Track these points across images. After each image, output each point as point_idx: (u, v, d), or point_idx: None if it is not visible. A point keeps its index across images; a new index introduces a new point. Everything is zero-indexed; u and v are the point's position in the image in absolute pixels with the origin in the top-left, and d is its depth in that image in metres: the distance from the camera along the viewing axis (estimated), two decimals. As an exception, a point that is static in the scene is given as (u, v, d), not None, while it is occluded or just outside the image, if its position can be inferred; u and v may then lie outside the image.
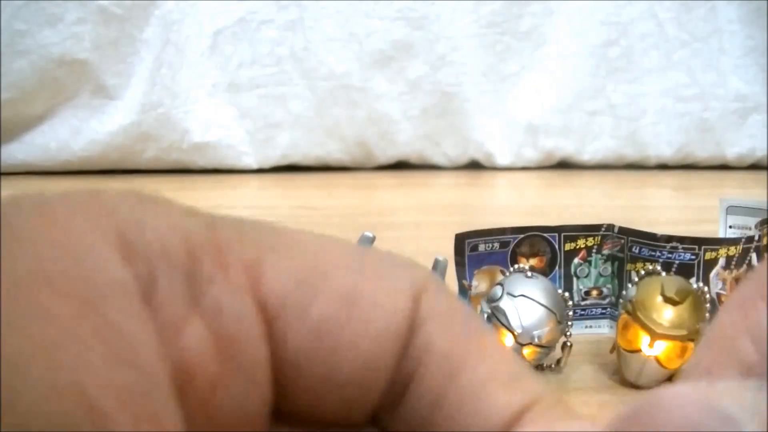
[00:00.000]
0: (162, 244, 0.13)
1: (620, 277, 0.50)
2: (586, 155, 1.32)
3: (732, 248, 0.49)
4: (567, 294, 0.47)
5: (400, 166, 1.32)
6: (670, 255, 0.48)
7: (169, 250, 0.13)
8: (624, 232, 0.50)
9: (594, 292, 0.52)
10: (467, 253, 0.49)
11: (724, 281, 0.50)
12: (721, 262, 0.49)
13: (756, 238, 0.50)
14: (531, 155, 1.32)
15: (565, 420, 0.14)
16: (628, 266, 0.49)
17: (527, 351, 0.45)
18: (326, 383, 0.14)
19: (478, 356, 0.15)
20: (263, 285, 0.14)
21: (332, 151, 1.28)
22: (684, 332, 0.43)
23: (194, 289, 0.13)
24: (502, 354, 0.15)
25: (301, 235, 0.15)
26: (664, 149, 1.32)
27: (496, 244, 0.49)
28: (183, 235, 0.14)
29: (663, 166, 1.33)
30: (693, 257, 0.48)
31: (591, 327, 0.52)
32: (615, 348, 0.46)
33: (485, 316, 0.45)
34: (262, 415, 0.14)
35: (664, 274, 0.46)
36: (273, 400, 0.14)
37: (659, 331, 0.43)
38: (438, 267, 0.45)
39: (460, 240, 0.48)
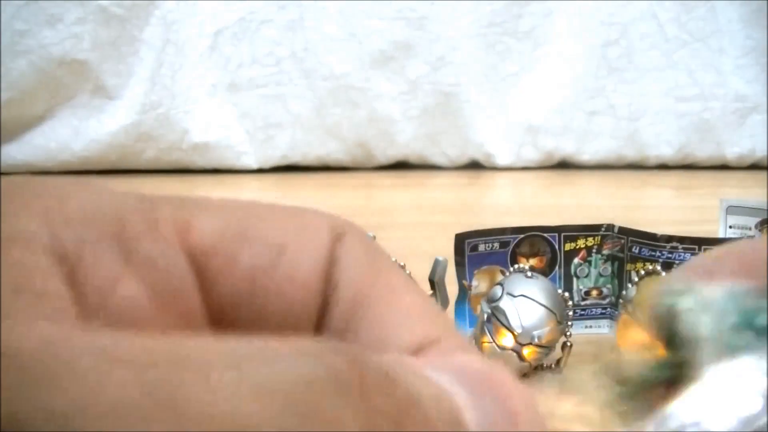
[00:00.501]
0: (86, 214, 0.14)
1: (620, 277, 0.50)
2: (586, 155, 1.32)
3: (732, 248, 0.49)
4: (567, 294, 0.47)
5: (400, 166, 1.32)
6: (670, 255, 0.48)
7: (96, 218, 0.14)
8: (624, 232, 0.50)
9: (594, 292, 0.52)
10: (467, 253, 0.49)
11: (724, 281, 0.50)
12: (721, 262, 0.49)
13: (756, 238, 0.50)
14: (531, 155, 1.32)
15: (463, 353, 0.15)
16: (628, 266, 0.49)
17: (527, 351, 0.45)
18: (259, 325, 0.15)
19: (387, 292, 0.16)
20: (192, 237, 0.15)
21: (332, 151, 1.28)
22: (684, 332, 0.43)
23: (125, 248, 0.14)
24: (412, 292, 0.16)
25: (229, 200, 0.17)
26: (664, 149, 1.32)
27: (496, 244, 0.49)
28: (112, 205, 0.14)
29: (663, 166, 1.33)
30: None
31: (591, 327, 0.52)
32: (615, 348, 0.46)
33: (485, 316, 0.45)
34: None
35: (664, 274, 0.46)
36: None
37: (659, 331, 0.43)
38: (438, 267, 0.45)
39: (460, 240, 0.48)
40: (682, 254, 0.48)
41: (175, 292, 0.14)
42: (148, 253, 0.14)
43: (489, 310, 0.45)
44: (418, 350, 0.15)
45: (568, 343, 0.47)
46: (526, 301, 0.44)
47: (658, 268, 0.47)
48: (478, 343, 0.44)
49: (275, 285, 0.15)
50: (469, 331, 0.47)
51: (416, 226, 0.88)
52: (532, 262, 0.50)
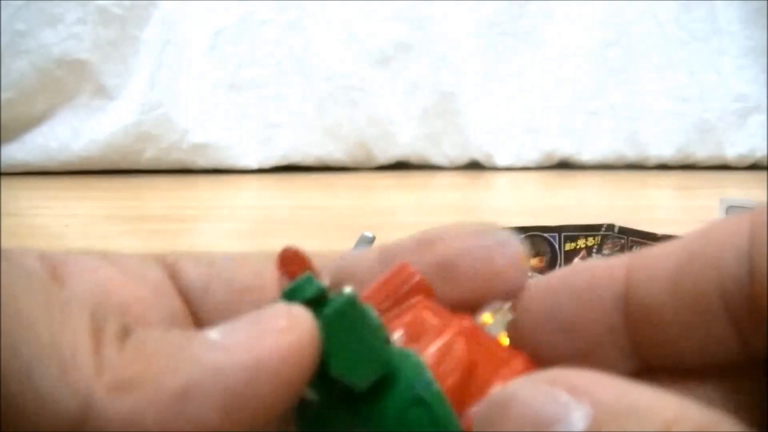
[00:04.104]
0: None
1: (620, 277, 0.50)
2: (586, 155, 1.32)
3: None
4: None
5: (400, 166, 1.32)
6: (670, 255, 0.48)
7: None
8: (624, 232, 0.50)
9: (594, 292, 0.52)
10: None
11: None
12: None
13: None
14: (531, 155, 1.31)
15: None
16: (629, 266, 0.49)
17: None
18: None
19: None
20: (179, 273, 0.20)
21: (332, 151, 1.28)
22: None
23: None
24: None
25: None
26: (664, 149, 1.32)
27: (497, 244, 0.49)
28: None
29: (663, 166, 1.33)
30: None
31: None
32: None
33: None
34: None
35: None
36: None
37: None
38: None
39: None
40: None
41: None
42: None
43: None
44: None
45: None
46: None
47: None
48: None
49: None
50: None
51: (416, 226, 0.87)
52: (533, 262, 0.50)
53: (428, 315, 0.18)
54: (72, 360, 0.14)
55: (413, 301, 0.18)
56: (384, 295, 0.18)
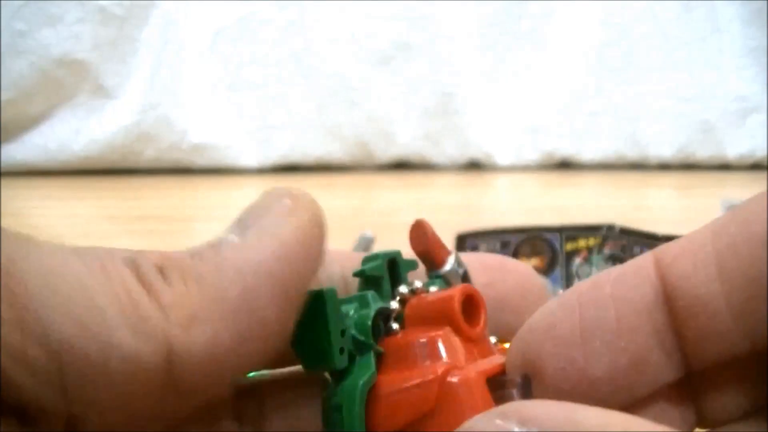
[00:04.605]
0: None
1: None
2: (586, 155, 1.32)
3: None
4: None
5: (400, 166, 1.32)
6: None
7: None
8: (625, 232, 0.50)
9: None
10: (468, 253, 0.48)
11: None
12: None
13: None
14: (531, 155, 1.31)
15: None
16: (629, 266, 0.49)
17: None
18: None
19: None
20: None
21: (332, 151, 1.28)
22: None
23: None
24: None
25: None
26: (664, 149, 1.32)
27: (497, 244, 0.49)
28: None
29: (663, 166, 1.33)
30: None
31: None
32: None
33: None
34: None
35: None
36: None
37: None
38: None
39: (461, 240, 0.48)
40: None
41: None
42: None
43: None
44: None
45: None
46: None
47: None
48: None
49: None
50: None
51: (416, 226, 0.87)
52: (533, 262, 0.50)
53: (420, 346, 0.18)
54: (137, 315, 0.14)
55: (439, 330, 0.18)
56: (425, 311, 0.18)
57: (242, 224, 0.17)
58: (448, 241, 0.49)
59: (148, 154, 1.23)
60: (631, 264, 0.17)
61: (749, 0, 1.31)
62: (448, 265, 0.19)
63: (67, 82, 1.20)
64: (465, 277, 0.20)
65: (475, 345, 0.18)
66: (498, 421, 0.14)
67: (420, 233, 0.20)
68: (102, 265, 0.15)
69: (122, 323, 0.14)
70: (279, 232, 0.16)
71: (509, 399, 0.17)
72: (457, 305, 0.18)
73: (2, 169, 1.18)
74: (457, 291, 0.18)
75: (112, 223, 0.90)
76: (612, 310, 0.16)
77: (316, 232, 0.17)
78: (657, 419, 0.17)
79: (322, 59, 1.26)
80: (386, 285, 0.19)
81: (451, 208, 1.03)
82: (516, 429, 0.13)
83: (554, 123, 1.31)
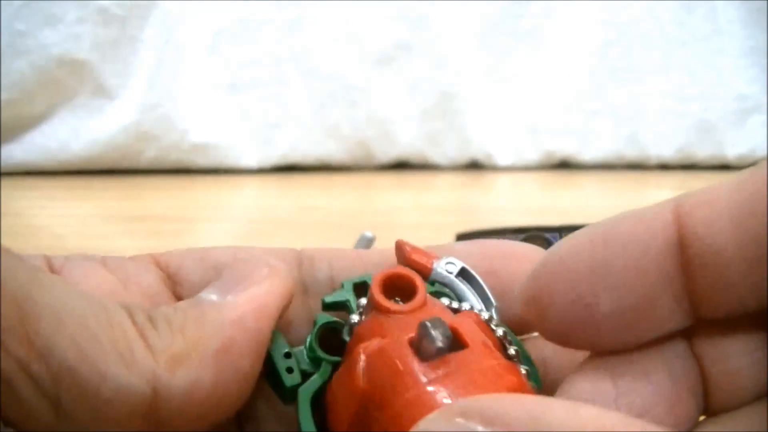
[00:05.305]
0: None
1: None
2: (587, 155, 1.32)
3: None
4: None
5: (400, 166, 1.32)
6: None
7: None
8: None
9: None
10: (471, 241, 0.48)
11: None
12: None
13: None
14: (531, 155, 1.31)
15: None
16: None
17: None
18: None
19: None
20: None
21: (332, 151, 1.28)
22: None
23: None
24: None
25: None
26: (664, 149, 1.32)
27: (497, 244, 0.49)
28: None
29: (663, 167, 1.33)
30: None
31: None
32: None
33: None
34: None
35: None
36: None
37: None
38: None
39: (461, 240, 0.48)
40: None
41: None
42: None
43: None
44: None
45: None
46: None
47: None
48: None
49: None
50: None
51: (416, 226, 0.88)
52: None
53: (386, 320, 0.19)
54: (131, 354, 0.16)
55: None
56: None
57: (223, 286, 0.19)
58: (448, 242, 0.49)
59: (149, 154, 1.23)
60: (650, 208, 0.17)
61: (749, 0, 1.31)
62: (433, 272, 0.22)
63: (67, 82, 1.20)
64: (463, 273, 0.22)
65: (414, 317, 0.19)
66: (459, 420, 0.13)
67: (400, 253, 0.22)
68: (104, 307, 0.17)
69: (117, 358, 0.16)
70: (256, 294, 0.19)
71: (431, 351, 0.17)
72: (375, 288, 0.20)
73: (2, 169, 1.18)
74: (377, 277, 0.20)
75: (112, 223, 0.90)
76: (625, 249, 0.16)
77: (286, 294, 0.20)
78: (658, 368, 0.17)
79: (322, 59, 1.26)
80: (354, 305, 0.21)
81: (452, 208, 1.03)
82: (480, 429, 0.13)
83: (554, 123, 1.31)
